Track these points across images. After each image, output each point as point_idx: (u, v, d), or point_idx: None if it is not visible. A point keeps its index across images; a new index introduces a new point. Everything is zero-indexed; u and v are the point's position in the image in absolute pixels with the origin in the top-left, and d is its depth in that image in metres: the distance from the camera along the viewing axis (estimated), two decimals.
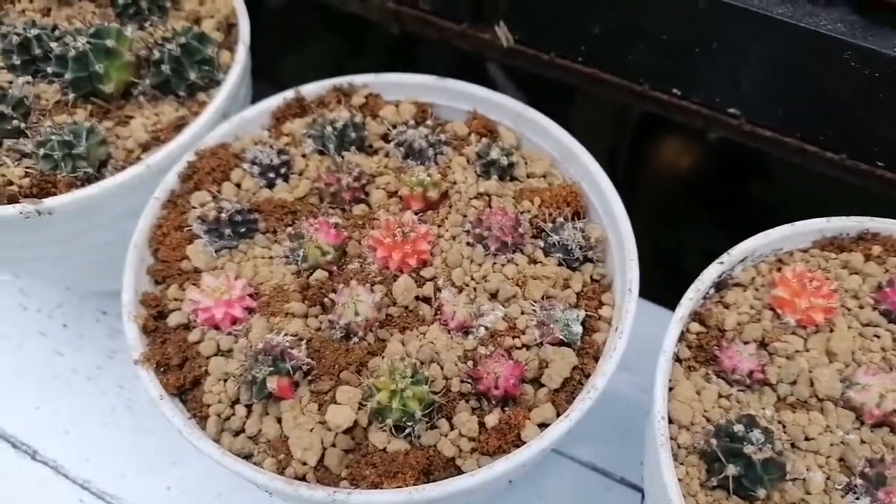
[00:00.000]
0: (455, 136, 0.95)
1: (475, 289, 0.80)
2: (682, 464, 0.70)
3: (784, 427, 0.72)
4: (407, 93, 0.98)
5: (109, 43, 0.94)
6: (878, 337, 0.78)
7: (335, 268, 0.80)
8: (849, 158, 0.88)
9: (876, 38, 0.78)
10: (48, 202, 0.85)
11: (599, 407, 0.72)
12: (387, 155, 0.93)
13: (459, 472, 0.69)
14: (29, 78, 0.99)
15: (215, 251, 0.82)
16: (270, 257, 0.82)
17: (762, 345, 0.78)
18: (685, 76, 0.91)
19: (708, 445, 0.69)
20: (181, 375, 0.74)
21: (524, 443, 0.70)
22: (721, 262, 0.81)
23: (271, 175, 0.88)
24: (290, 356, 0.71)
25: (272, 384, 0.69)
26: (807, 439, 0.71)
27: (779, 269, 0.84)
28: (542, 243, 0.84)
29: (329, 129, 0.90)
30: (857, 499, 0.67)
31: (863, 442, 0.71)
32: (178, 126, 0.94)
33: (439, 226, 0.85)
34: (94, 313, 1.22)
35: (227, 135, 0.92)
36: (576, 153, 0.90)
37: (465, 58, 1.07)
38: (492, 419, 0.71)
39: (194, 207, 0.86)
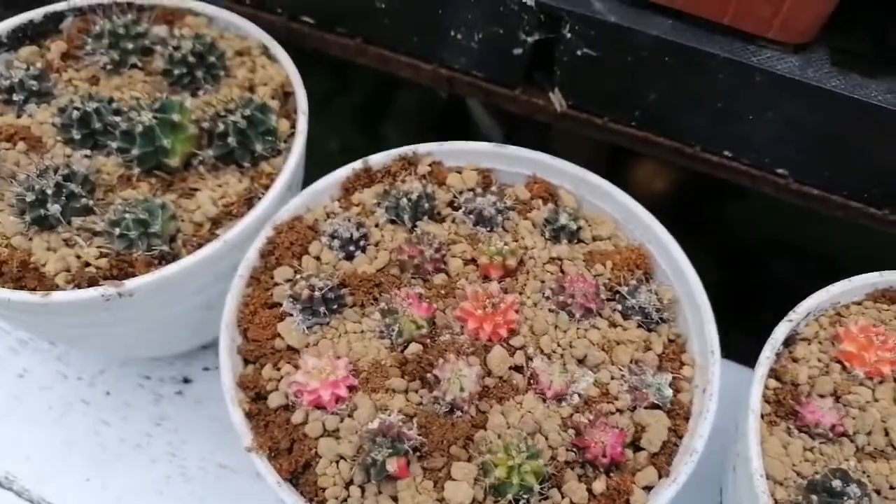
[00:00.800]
0: (518, 201, 0.98)
1: (562, 355, 0.84)
2: None
3: (868, 477, 0.77)
4: (467, 159, 1.01)
5: (175, 117, 0.94)
6: None
7: (428, 340, 0.82)
8: (891, 213, 0.95)
9: None
10: (129, 284, 0.85)
11: None
12: (454, 221, 0.96)
13: None
14: (87, 152, 0.99)
15: (307, 328, 0.83)
16: (362, 332, 0.84)
17: (835, 397, 0.83)
18: (737, 140, 0.96)
19: (807, 501, 0.73)
20: (292, 460, 0.75)
21: None
22: (790, 320, 0.86)
23: (351, 248, 0.90)
24: (406, 436, 0.73)
25: (392, 466, 0.71)
26: (891, 488, 0.77)
27: (839, 323, 0.89)
28: (619, 306, 0.88)
29: (404, 200, 0.92)
30: None
31: None
32: (248, 199, 0.95)
33: (520, 293, 0.88)
34: (136, 379, 1.21)
35: (300, 207, 0.93)
36: (639, 216, 0.94)
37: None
38: (599, 486, 0.74)
39: (279, 284, 0.87)
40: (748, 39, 0.89)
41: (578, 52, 0.95)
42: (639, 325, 0.87)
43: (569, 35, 0.94)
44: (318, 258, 0.90)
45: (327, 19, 1.09)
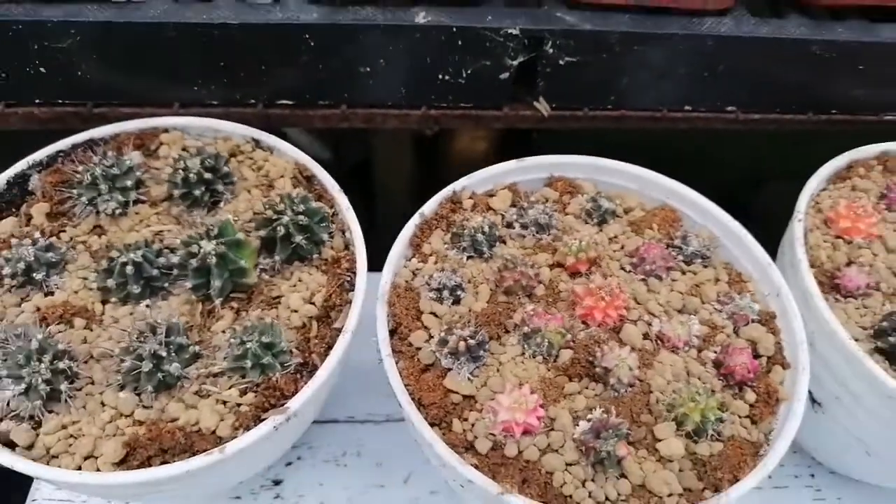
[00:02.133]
0: (549, 201, 1.11)
1: (667, 311, 0.99)
2: None
3: None
4: (494, 182, 1.11)
5: (239, 236, 0.95)
6: None
7: (572, 343, 0.94)
8: (814, 115, 1.21)
9: None
10: (293, 404, 0.86)
11: None
12: (516, 238, 1.07)
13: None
14: (147, 301, 0.95)
15: (470, 374, 0.91)
16: (513, 359, 0.93)
17: (850, 264, 1.08)
18: (697, 94, 1.17)
19: (886, 343, 0.96)
20: (535, 486, 0.83)
21: (780, 401, 0.92)
22: (799, 220, 1.09)
23: (457, 293, 0.97)
24: (613, 425, 0.84)
25: (622, 450, 0.83)
26: None
27: (819, 210, 1.14)
28: (681, 257, 1.05)
29: (480, 235, 1.01)
30: None
31: None
32: (339, 285, 0.98)
33: (605, 276, 1.02)
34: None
35: (390, 275, 0.99)
36: (654, 181, 1.11)
37: None
38: (751, 396, 0.92)
39: (420, 349, 0.93)
40: (692, 14, 1.08)
41: (560, 62, 1.09)
42: (704, 266, 1.05)
43: (551, 50, 1.07)
44: (433, 314, 0.97)
45: (309, 96, 1.12)
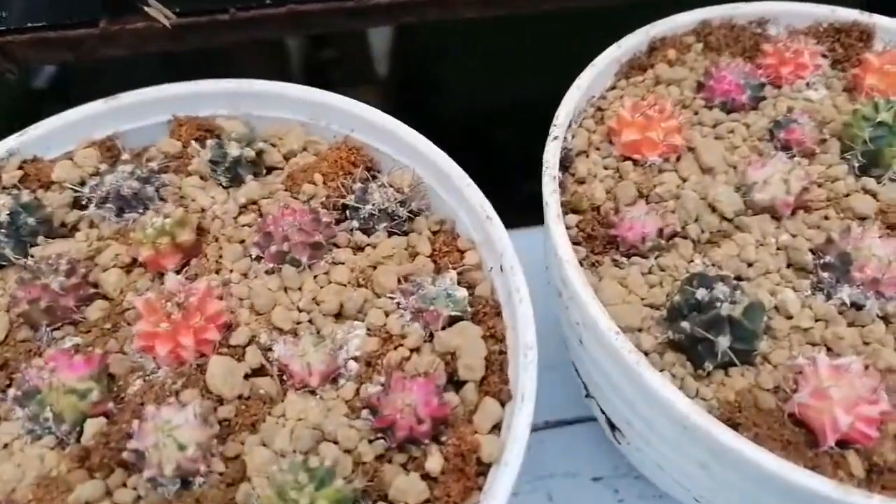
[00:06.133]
0: (168, 157, 0.69)
1: (311, 321, 0.58)
2: (661, 370, 0.56)
3: (721, 267, 0.61)
4: (76, 137, 0.69)
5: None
6: (731, 132, 0.71)
7: (111, 404, 0.53)
8: None
9: None
10: None
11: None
12: (92, 224, 0.65)
13: None
14: None
15: None
16: (5, 446, 0.52)
17: (644, 199, 0.66)
18: None
19: (679, 332, 0.55)
20: None
21: (489, 464, 0.51)
22: (555, 137, 0.67)
23: None
24: None
25: None
26: (749, 265, 0.61)
27: (603, 118, 0.72)
28: (354, 223, 0.64)
29: None
30: (830, 295, 0.58)
31: (794, 236, 0.63)
32: None
33: (217, 271, 0.61)
34: None
35: None
36: (330, 104, 0.69)
37: None
38: (435, 463, 0.51)
39: None
40: None
41: None
42: (390, 233, 0.63)
43: None
44: None
45: None
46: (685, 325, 0.54)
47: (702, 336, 0.53)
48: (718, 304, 0.53)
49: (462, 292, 0.58)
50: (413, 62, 1.34)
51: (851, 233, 0.59)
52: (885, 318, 0.58)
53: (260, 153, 0.67)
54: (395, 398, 0.51)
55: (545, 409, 0.82)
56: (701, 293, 0.54)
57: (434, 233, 0.65)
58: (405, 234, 0.64)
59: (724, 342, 0.53)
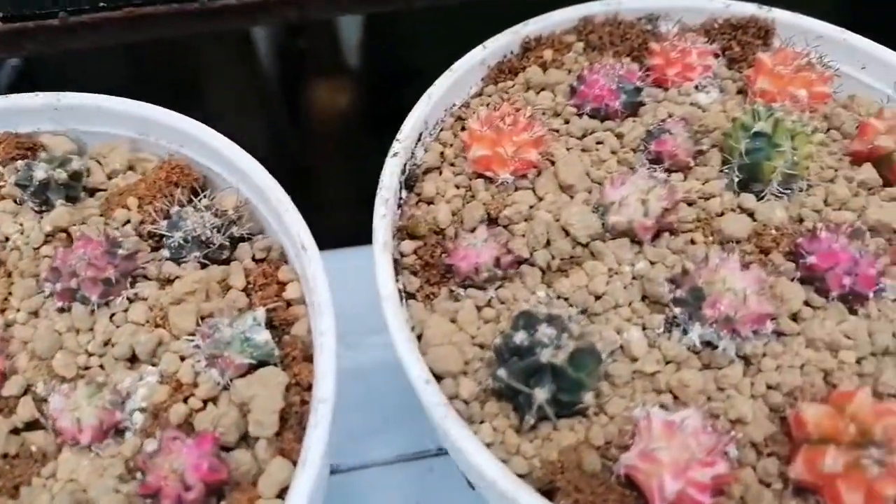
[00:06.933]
0: None
1: (102, 366, 0.52)
2: (482, 421, 0.49)
3: (567, 299, 0.54)
4: None
5: None
6: (601, 143, 0.64)
7: None
8: None
9: None
10: None
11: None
12: None
13: None
14: None
15: None
16: None
17: (493, 222, 0.59)
18: None
19: (499, 381, 0.49)
20: None
21: None
22: (396, 154, 0.60)
23: None
24: None
25: None
26: (597, 298, 0.54)
27: (463, 131, 0.65)
28: (166, 252, 0.57)
29: None
30: (686, 331, 0.52)
31: (653, 263, 0.56)
32: None
33: (3, 311, 0.55)
34: None
35: None
36: (154, 119, 0.63)
37: None
38: None
39: None
40: None
41: None
42: (202, 264, 0.57)
43: None
44: None
45: None
46: (502, 373, 0.48)
47: (517, 389, 0.47)
48: (539, 349, 0.47)
49: (264, 335, 0.51)
50: (385, 52, 1.27)
51: (709, 262, 0.52)
52: (746, 359, 0.51)
53: (76, 174, 0.61)
54: (162, 461, 0.45)
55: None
56: (520, 337, 0.47)
57: (259, 261, 0.59)
58: (227, 262, 0.58)
59: (540, 395, 0.46)
